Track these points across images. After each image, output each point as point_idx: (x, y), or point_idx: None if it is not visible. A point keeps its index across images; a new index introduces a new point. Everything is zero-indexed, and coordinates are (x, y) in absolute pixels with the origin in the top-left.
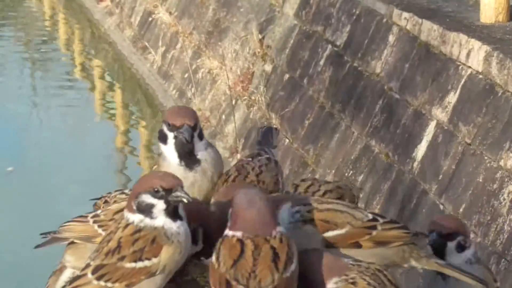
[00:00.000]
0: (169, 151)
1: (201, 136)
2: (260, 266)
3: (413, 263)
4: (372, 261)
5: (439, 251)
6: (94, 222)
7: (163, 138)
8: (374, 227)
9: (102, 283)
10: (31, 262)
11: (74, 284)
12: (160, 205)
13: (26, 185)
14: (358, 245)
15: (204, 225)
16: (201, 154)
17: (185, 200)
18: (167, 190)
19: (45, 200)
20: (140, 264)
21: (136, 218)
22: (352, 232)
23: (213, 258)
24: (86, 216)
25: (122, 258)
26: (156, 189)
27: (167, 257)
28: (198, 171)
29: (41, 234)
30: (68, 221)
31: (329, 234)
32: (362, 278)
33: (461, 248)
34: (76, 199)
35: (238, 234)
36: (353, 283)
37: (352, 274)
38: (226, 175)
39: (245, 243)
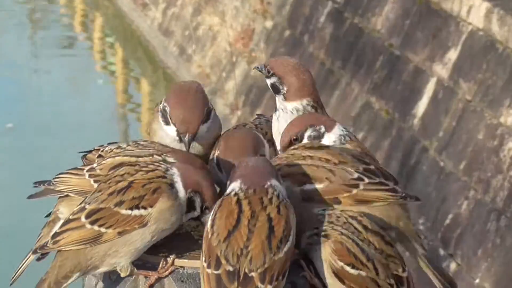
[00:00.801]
0: (170, 130)
1: (207, 118)
2: (254, 242)
3: (400, 228)
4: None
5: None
6: (90, 176)
7: (166, 120)
8: (355, 186)
9: (95, 227)
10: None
11: (66, 227)
12: None
13: (26, 141)
14: (337, 201)
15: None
16: (201, 137)
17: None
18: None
19: (44, 157)
20: (135, 212)
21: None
22: (331, 187)
23: (209, 223)
24: (82, 169)
25: (120, 203)
26: None
27: (160, 208)
28: (194, 146)
29: (34, 183)
30: (63, 173)
31: (307, 187)
32: (334, 229)
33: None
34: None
35: (236, 186)
36: (325, 236)
37: (323, 226)
38: (227, 130)
39: (243, 206)
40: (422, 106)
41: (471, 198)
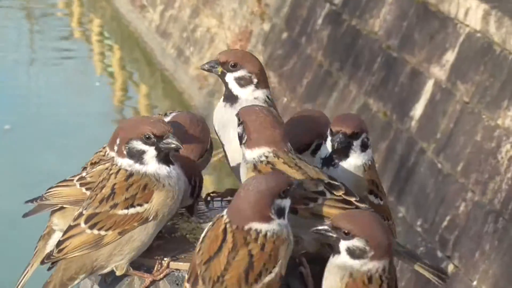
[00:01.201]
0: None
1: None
2: (230, 273)
3: None
4: (301, 231)
5: (343, 152)
6: (81, 185)
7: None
8: (315, 199)
9: (95, 231)
10: (23, 223)
11: (68, 234)
12: (151, 152)
13: (23, 143)
14: (294, 211)
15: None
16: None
17: (175, 147)
18: (158, 137)
19: (42, 159)
20: (132, 211)
21: (126, 163)
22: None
23: (201, 236)
24: (72, 180)
25: (115, 206)
26: (147, 136)
27: (158, 202)
28: None
29: (26, 201)
30: (53, 186)
31: None
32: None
33: (365, 146)
34: (73, 157)
35: (227, 213)
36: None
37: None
38: None
39: (227, 236)
40: (419, 107)
41: (468, 200)
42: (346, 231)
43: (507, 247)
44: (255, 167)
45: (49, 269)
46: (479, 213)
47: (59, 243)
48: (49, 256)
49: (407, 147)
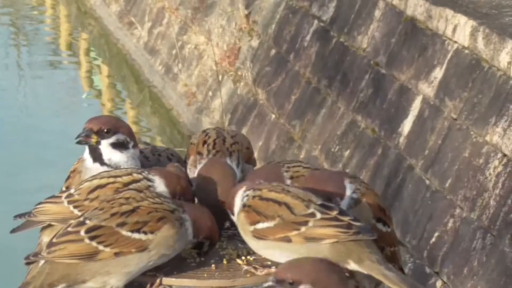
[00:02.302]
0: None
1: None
2: None
3: (352, 265)
4: (305, 255)
5: None
6: (69, 202)
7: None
8: (305, 223)
9: (94, 243)
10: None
11: (63, 238)
12: None
13: (9, 160)
14: (287, 240)
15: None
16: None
17: None
18: None
19: (28, 175)
20: (135, 235)
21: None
22: (281, 226)
23: None
24: (60, 197)
25: (122, 224)
26: None
27: (164, 236)
28: None
29: (15, 216)
30: (41, 203)
31: (258, 226)
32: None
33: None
34: (61, 174)
35: None
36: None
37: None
38: (206, 135)
39: None
40: (407, 124)
41: (457, 216)
42: (290, 281)
43: (495, 263)
44: (244, 206)
45: (27, 263)
46: (467, 229)
47: (51, 244)
48: (36, 254)
49: (395, 164)
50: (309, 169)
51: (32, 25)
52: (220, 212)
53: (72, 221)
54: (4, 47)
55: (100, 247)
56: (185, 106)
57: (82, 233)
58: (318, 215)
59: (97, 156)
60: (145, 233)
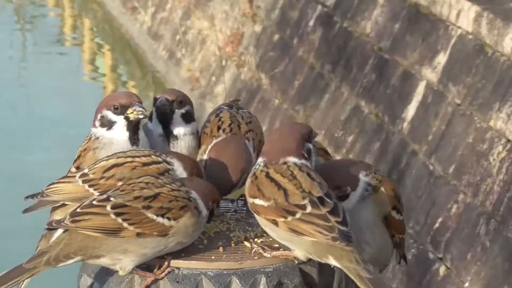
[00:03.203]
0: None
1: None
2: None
3: (332, 261)
4: (287, 244)
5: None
6: (84, 182)
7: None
8: (293, 213)
9: (119, 220)
10: (18, 225)
11: (89, 209)
12: None
13: (12, 144)
14: (275, 223)
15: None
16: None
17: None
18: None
19: (31, 160)
20: (159, 219)
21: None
22: (273, 208)
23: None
24: (73, 176)
25: (148, 207)
26: None
27: (184, 224)
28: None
29: (26, 197)
30: (54, 183)
31: (256, 201)
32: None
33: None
34: (62, 159)
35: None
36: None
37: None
38: (219, 120)
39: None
40: (411, 109)
41: (460, 201)
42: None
43: (499, 249)
44: (253, 174)
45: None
46: (471, 214)
47: (75, 213)
48: (59, 221)
49: (399, 149)
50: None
51: (36, 10)
52: (227, 192)
53: (95, 196)
54: (8, 32)
55: (125, 224)
56: (188, 91)
57: (108, 208)
58: (308, 209)
59: (135, 132)
60: (168, 219)
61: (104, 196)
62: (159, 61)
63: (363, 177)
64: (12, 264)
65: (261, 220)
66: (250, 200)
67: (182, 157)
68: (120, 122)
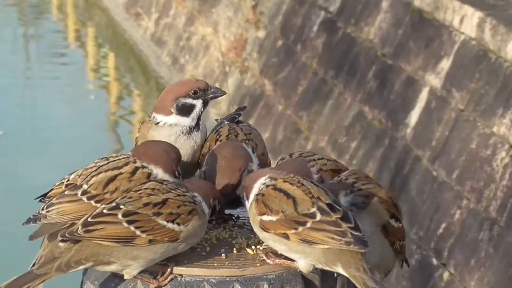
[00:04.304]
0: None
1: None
2: None
3: (340, 269)
4: (300, 256)
5: None
6: (89, 198)
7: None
8: (303, 223)
9: (132, 228)
10: (19, 232)
11: (100, 219)
12: None
13: (15, 149)
14: (286, 236)
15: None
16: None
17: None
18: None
19: (34, 166)
20: (170, 225)
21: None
22: (282, 222)
23: None
24: (74, 194)
25: (158, 214)
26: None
27: (193, 227)
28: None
29: (25, 223)
30: (54, 203)
31: (264, 218)
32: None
33: None
34: (66, 165)
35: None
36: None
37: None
38: (217, 134)
39: None
40: (415, 115)
41: (464, 207)
42: None
43: (502, 255)
44: (257, 195)
45: (31, 238)
46: (474, 220)
47: (88, 223)
48: (72, 232)
49: (402, 155)
50: (333, 161)
51: (39, 16)
52: (228, 193)
53: (103, 205)
54: (11, 38)
55: (138, 232)
56: None
57: (120, 216)
58: (318, 217)
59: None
60: (178, 224)
61: (113, 204)
62: (163, 67)
63: (343, 198)
64: (13, 269)
65: (270, 238)
66: (257, 218)
67: (155, 158)
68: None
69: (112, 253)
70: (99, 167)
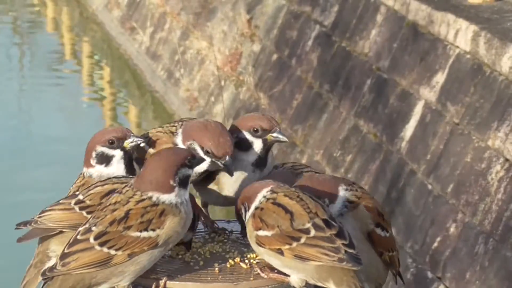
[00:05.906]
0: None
1: None
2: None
3: (332, 285)
4: (293, 272)
5: None
6: (81, 209)
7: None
8: (298, 238)
9: (105, 249)
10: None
11: (74, 248)
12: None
13: (11, 163)
14: (281, 252)
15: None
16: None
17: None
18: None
19: (29, 180)
20: (144, 234)
21: (153, 195)
22: (277, 237)
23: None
24: (68, 203)
25: (128, 228)
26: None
27: (170, 227)
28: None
29: (17, 225)
30: (47, 210)
31: (259, 233)
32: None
33: None
34: (61, 179)
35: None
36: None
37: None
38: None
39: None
40: (409, 129)
41: (459, 221)
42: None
43: (498, 268)
44: (256, 209)
45: (44, 283)
46: (470, 234)
47: (64, 255)
48: (51, 269)
49: (397, 168)
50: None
51: (34, 30)
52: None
53: (80, 229)
54: (6, 50)
55: (112, 252)
56: (187, 111)
57: (92, 240)
58: (312, 232)
59: (131, 164)
60: (153, 230)
61: (87, 225)
62: (158, 81)
63: (342, 192)
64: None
65: (265, 253)
66: (253, 233)
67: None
68: (118, 156)
69: (97, 276)
70: (112, 179)
